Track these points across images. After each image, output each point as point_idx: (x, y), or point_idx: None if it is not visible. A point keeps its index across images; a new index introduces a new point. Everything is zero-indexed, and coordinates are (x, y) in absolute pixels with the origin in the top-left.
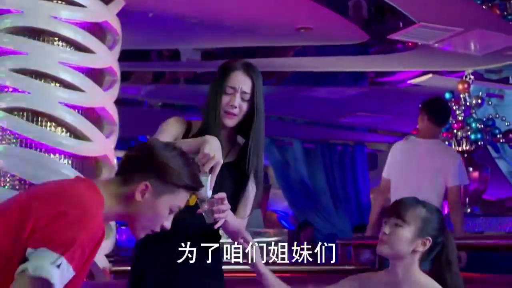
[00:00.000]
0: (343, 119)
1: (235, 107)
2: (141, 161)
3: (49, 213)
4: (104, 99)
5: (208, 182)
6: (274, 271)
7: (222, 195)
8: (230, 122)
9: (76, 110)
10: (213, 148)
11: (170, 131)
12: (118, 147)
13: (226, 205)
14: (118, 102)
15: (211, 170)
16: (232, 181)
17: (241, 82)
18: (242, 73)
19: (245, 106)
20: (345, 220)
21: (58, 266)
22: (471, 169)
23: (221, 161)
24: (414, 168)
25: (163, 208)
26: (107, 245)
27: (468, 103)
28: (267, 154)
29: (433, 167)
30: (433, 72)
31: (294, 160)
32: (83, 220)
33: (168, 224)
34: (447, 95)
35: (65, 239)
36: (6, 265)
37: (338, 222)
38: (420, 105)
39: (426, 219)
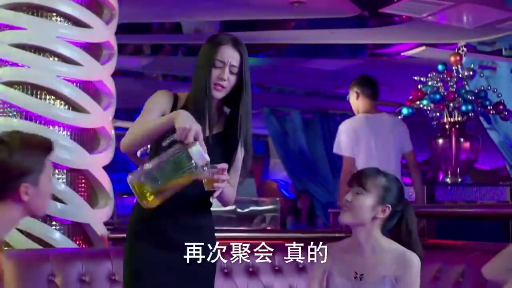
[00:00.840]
0: (341, 90)
1: (224, 80)
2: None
3: None
4: (102, 72)
5: (200, 148)
6: (267, 238)
7: (224, 165)
8: (219, 94)
9: (74, 84)
10: (186, 120)
11: (158, 108)
12: (120, 117)
13: (226, 176)
14: (120, 74)
15: (195, 140)
16: (222, 150)
17: (230, 56)
18: (231, 47)
19: (233, 79)
20: None
21: None
22: (462, 139)
23: (199, 128)
24: (380, 143)
25: (47, 186)
26: (105, 213)
27: (460, 75)
28: (266, 124)
29: (393, 138)
30: (427, 45)
31: (293, 130)
32: None
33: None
34: (440, 67)
35: None
36: None
37: (337, 191)
38: (353, 84)
39: (386, 188)
